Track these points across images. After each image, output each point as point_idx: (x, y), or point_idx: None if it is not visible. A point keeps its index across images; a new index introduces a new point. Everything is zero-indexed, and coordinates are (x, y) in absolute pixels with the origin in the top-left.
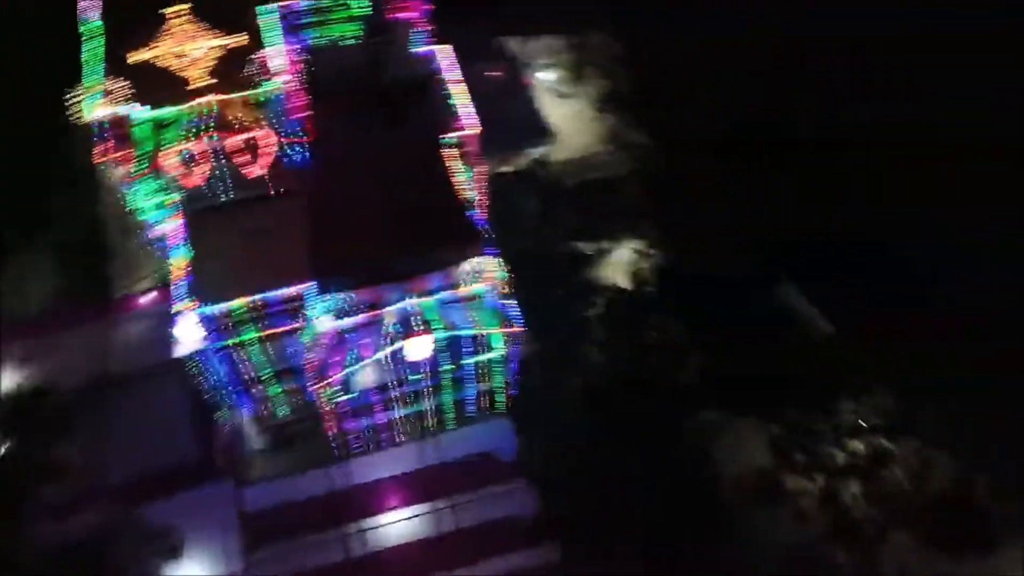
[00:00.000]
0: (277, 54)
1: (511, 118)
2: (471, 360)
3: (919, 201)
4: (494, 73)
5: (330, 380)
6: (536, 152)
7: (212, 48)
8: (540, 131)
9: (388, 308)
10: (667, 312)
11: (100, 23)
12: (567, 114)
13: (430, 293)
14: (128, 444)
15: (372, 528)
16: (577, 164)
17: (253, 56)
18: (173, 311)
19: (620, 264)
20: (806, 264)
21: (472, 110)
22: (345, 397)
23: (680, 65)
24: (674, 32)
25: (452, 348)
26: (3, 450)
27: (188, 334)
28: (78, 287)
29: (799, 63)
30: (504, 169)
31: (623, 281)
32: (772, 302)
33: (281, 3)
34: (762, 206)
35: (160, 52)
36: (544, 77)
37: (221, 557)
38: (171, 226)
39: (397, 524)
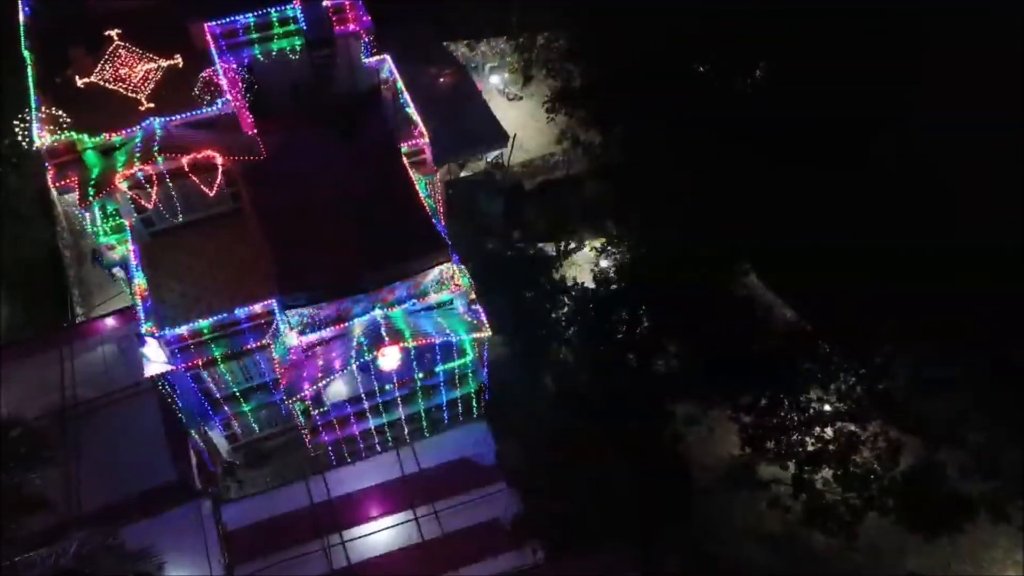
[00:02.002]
0: (222, 72)
1: (464, 123)
2: (443, 367)
3: (889, 194)
4: (443, 79)
5: (302, 394)
6: (492, 156)
7: (155, 69)
8: (494, 134)
9: (356, 320)
10: (634, 308)
11: (37, 49)
12: (520, 116)
13: (397, 303)
14: (102, 468)
15: (355, 539)
16: (534, 165)
17: (198, 75)
18: (136, 334)
19: (585, 263)
20: (768, 254)
21: (424, 118)
22: (318, 411)
23: (631, 59)
24: (622, 26)
25: (423, 356)
26: None
27: (154, 356)
28: (35, 315)
29: (759, 50)
30: (461, 175)
31: (589, 279)
32: (736, 292)
33: (223, 20)
34: (723, 197)
35: (102, 76)
36: (494, 80)
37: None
38: (127, 250)
39: (380, 533)
